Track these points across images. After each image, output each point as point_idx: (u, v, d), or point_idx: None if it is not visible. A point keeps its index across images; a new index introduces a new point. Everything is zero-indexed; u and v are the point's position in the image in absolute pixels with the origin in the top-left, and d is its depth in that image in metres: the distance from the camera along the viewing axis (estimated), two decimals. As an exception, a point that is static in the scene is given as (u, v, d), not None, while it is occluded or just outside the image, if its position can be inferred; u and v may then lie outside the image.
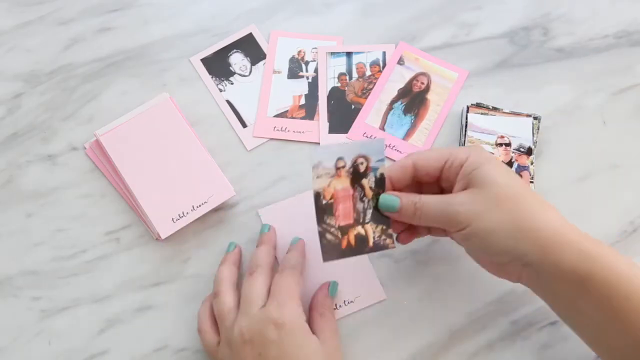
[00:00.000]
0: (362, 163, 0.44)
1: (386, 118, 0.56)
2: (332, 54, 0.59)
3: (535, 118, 0.54)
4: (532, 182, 0.52)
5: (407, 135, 0.56)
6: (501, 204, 0.39)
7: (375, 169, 0.44)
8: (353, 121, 0.56)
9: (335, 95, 0.57)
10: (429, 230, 0.47)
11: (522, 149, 0.53)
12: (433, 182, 0.45)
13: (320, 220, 0.44)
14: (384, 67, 0.58)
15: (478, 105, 0.55)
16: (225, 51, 0.59)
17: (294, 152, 0.55)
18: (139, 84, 0.57)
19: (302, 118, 0.56)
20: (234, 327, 0.43)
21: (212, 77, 0.58)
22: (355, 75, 0.58)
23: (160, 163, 0.52)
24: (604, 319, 0.38)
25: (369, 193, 0.45)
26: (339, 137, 0.55)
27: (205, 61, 0.59)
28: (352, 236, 0.44)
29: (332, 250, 0.44)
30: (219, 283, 0.47)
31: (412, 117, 0.56)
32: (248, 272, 0.46)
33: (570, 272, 0.38)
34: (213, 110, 0.57)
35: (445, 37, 0.60)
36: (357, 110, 0.57)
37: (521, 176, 0.52)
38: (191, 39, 0.59)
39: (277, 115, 0.56)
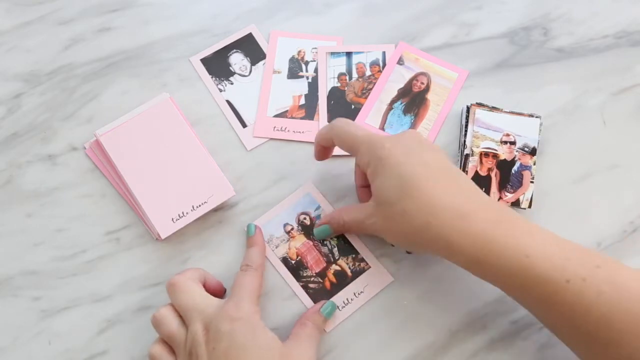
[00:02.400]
0: (305, 218, 0.52)
1: (386, 118, 0.56)
2: (332, 54, 0.59)
3: (536, 117, 0.54)
4: (532, 182, 0.52)
5: (407, 135, 0.56)
6: (395, 222, 0.42)
7: (318, 217, 0.52)
8: (353, 121, 0.56)
9: (335, 95, 0.57)
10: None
11: (526, 149, 0.53)
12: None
13: (297, 278, 0.50)
14: (384, 67, 0.58)
15: (478, 105, 0.55)
16: (225, 51, 0.59)
17: (294, 152, 0.55)
18: (139, 84, 0.57)
19: (302, 118, 0.56)
20: (196, 326, 0.43)
21: (212, 77, 0.58)
22: (355, 75, 0.58)
23: (160, 163, 0.52)
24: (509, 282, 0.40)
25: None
26: (339, 137, 0.55)
27: (205, 61, 0.59)
28: (330, 275, 0.50)
29: (320, 295, 0.49)
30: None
31: (412, 117, 0.56)
32: (240, 269, 0.47)
33: (473, 257, 0.40)
34: (213, 110, 0.57)
35: (445, 37, 0.60)
36: (357, 110, 0.57)
37: (522, 176, 0.52)
38: (191, 39, 0.59)
39: (277, 115, 0.56)
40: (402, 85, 0.57)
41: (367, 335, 0.49)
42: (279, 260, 0.50)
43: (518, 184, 0.52)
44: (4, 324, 0.50)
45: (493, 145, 0.53)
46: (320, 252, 0.51)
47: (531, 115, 0.54)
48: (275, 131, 0.56)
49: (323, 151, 0.50)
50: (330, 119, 0.56)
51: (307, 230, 0.51)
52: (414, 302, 0.50)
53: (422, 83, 0.58)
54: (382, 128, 0.56)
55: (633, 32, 0.59)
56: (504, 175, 0.52)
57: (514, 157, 0.52)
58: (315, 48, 0.59)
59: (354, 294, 0.49)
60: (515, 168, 0.52)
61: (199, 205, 0.51)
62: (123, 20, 0.60)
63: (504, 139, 0.53)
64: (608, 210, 0.53)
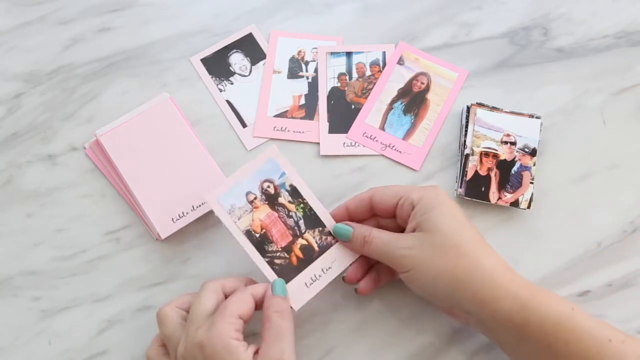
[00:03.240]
0: (268, 187, 0.47)
1: (386, 118, 0.56)
2: (332, 54, 0.59)
3: (537, 118, 0.54)
4: (532, 182, 0.52)
5: (407, 135, 0.56)
6: (443, 253, 0.41)
7: (283, 185, 0.48)
8: (353, 121, 0.56)
9: (335, 95, 0.57)
10: (384, 275, 0.48)
11: (526, 149, 0.53)
12: (390, 217, 0.47)
13: (262, 253, 0.46)
14: (384, 67, 0.58)
15: (479, 105, 0.55)
16: (225, 51, 0.59)
17: (294, 152, 0.55)
18: (139, 84, 0.57)
19: (302, 118, 0.56)
20: (178, 348, 0.41)
21: (212, 77, 0.58)
22: (355, 75, 0.58)
23: (160, 163, 0.52)
24: None
25: (291, 207, 0.47)
26: (339, 137, 0.55)
27: (205, 61, 0.59)
28: (297, 250, 0.47)
29: (287, 272, 0.46)
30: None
31: (412, 117, 0.56)
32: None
33: (508, 321, 0.40)
34: (213, 110, 0.57)
35: (445, 37, 0.60)
36: (357, 110, 0.57)
37: (522, 176, 0.52)
38: (191, 39, 0.59)
39: (277, 115, 0.56)
40: (402, 85, 0.57)
41: (367, 335, 0.49)
42: (242, 234, 0.46)
43: (517, 184, 0.52)
44: (4, 324, 0.50)
45: (493, 145, 0.53)
46: (286, 224, 0.47)
47: (531, 116, 0.54)
48: (276, 131, 0.56)
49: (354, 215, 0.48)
50: (330, 119, 0.56)
51: (271, 199, 0.47)
52: (414, 302, 0.50)
53: (422, 83, 0.58)
54: (382, 128, 0.56)
55: (633, 32, 0.59)
56: (504, 175, 0.52)
57: (514, 158, 0.52)
58: (315, 48, 0.59)
59: (322, 270, 0.46)
60: (515, 168, 0.52)
61: (199, 205, 0.51)
62: (123, 20, 0.60)
63: (504, 139, 0.53)
64: (608, 210, 0.53)
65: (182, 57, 0.59)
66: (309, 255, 0.47)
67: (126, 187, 0.52)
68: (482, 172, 0.52)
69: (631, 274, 0.51)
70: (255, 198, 0.47)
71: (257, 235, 0.46)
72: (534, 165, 0.52)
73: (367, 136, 0.56)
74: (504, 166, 0.52)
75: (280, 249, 0.46)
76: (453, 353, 0.48)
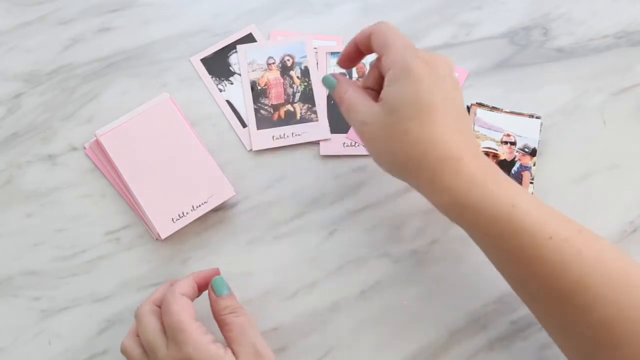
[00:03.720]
0: (288, 60, 0.57)
1: (386, 118, 0.56)
2: (332, 54, 0.59)
3: (537, 118, 0.54)
4: (532, 182, 0.52)
5: (407, 135, 0.56)
6: (392, 137, 0.40)
7: (300, 63, 0.57)
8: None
9: (335, 95, 0.57)
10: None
11: (526, 149, 0.53)
12: None
13: (255, 100, 0.56)
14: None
15: (479, 105, 0.55)
16: (225, 51, 0.59)
17: (295, 152, 0.55)
18: (139, 84, 0.57)
19: (300, 120, 0.56)
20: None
21: (212, 77, 0.58)
22: (355, 75, 0.58)
23: (160, 163, 0.52)
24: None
25: (297, 81, 0.56)
26: (339, 137, 0.55)
27: (205, 61, 0.59)
28: (282, 112, 0.55)
29: (265, 122, 0.55)
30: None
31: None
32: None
33: (448, 214, 0.41)
34: (213, 110, 0.57)
35: (445, 37, 0.60)
36: (357, 110, 0.57)
37: (522, 176, 0.52)
38: (191, 39, 0.59)
39: (265, 119, 0.56)
40: (402, 85, 0.57)
41: (367, 335, 0.49)
42: (248, 83, 0.56)
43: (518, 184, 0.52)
44: (4, 324, 0.50)
45: (493, 145, 0.53)
46: (285, 90, 0.56)
47: (531, 116, 0.54)
48: (275, 140, 0.55)
49: (353, 52, 0.46)
50: (330, 119, 0.56)
51: (285, 69, 0.57)
52: (414, 302, 0.50)
53: (422, 83, 0.58)
54: (382, 128, 0.56)
55: (633, 32, 0.59)
56: None
57: (514, 158, 0.52)
58: (316, 48, 0.59)
59: (292, 133, 0.53)
60: (515, 168, 0.52)
61: (199, 205, 0.51)
62: (123, 20, 0.60)
63: (504, 139, 0.53)
64: (608, 210, 0.53)
65: (182, 57, 0.59)
66: (290, 119, 0.55)
67: (126, 187, 0.52)
68: None
69: (631, 274, 0.51)
70: (273, 63, 0.57)
71: (259, 87, 0.56)
72: (534, 165, 0.52)
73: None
74: (504, 166, 0.52)
75: (270, 105, 0.56)
76: (453, 353, 0.48)
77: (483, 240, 0.41)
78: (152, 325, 0.41)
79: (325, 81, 0.47)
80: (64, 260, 0.51)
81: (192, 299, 0.43)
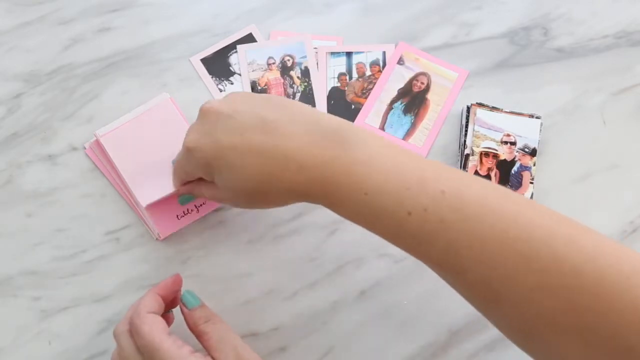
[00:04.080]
0: (288, 60, 0.57)
1: (386, 118, 0.56)
2: (332, 53, 0.59)
3: (536, 118, 0.54)
4: (532, 182, 0.52)
5: (407, 135, 0.56)
6: (249, 199, 0.42)
7: (300, 63, 0.57)
8: (353, 121, 0.56)
9: (335, 95, 0.57)
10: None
11: (526, 149, 0.53)
12: None
13: None
14: (384, 67, 0.58)
15: (478, 105, 0.55)
16: (225, 51, 0.59)
17: (294, 152, 0.55)
18: (139, 84, 0.57)
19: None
20: None
21: (212, 77, 0.58)
22: (355, 75, 0.58)
23: (160, 163, 0.52)
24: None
25: (297, 81, 0.57)
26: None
27: (205, 61, 0.59)
28: None
29: None
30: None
31: (412, 117, 0.56)
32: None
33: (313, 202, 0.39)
34: (213, 110, 0.57)
35: (445, 37, 0.60)
36: (357, 110, 0.57)
37: (522, 176, 0.52)
38: (191, 39, 0.59)
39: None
40: (402, 85, 0.57)
41: (367, 335, 0.49)
42: (248, 83, 0.57)
43: (517, 184, 0.52)
44: (4, 324, 0.50)
45: (493, 145, 0.53)
46: (285, 90, 0.57)
47: (531, 116, 0.54)
48: None
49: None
50: (330, 119, 0.56)
51: (285, 69, 0.57)
52: (414, 302, 0.50)
53: (422, 83, 0.58)
54: (382, 128, 0.56)
55: (633, 32, 0.59)
56: (504, 175, 0.52)
57: (514, 158, 0.52)
58: (316, 48, 0.59)
59: (194, 206, 0.52)
60: (515, 168, 0.52)
61: (199, 206, 0.51)
62: (123, 20, 0.60)
63: (504, 139, 0.53)
64: (608, 210, 0.53)
65: (182, 57, 0.59)
66: None
67: (126, 187, 0.52)
68: (482, 172, 0.52)
69: (631, 274, 0.51)
70: (273, 63, 0.57)
71: (259, 87, 0.57)
72: (534, 165, 0.52)
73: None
74: (504, 166, 0.52)
75: None
76: (453, 353, 0.48)
77: (363, 227, 0.39)
78: (128, 347, 0.40)
79: (182, 200, 0.51)
80: (64, 260, 0.51)
81: (160, 313, 0.42)
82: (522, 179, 0.52)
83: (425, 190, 0.35)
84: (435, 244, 0.35)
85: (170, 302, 0.45)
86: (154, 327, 0.39)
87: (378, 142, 0.38)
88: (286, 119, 0.39)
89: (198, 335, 0.41)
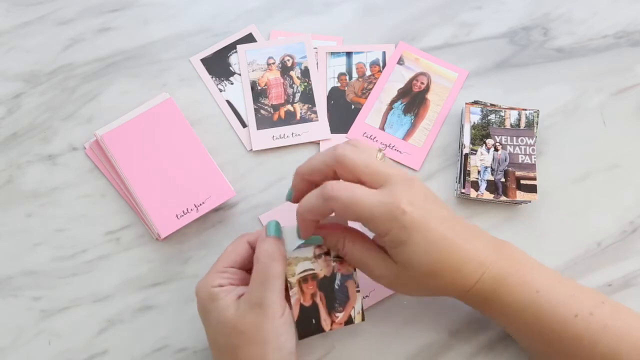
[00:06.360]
0: (288, 60, 0.57)
1: (386, 118, 0.56)
2: (332, 54, 0.59)
3: (535, 112, 0.54)
4: (358, 291, 0.44)
5: (407, 135, 0.56)
6: (418, 282, 0.41)
7: (300, 63, 0.57)
8: (353, 121, 0.56)
9: (335, 95, 0.57)
10: None
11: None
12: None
13: (255, 100, 0.56)
14: (384, 67, 0.58)
15: (475, 103, 0.54)
16: (225, 51, 0.59)
17: (295, 152, 0.55)
18: (139, 84, 0.57)
19: (300, 119, 0.56)
20: None
21: (212, 77, 0.58)
22: (355, 75, 0.58)
23: (160, 163, 0.52)
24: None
25: (297, 81, 0.56)
26: (340, 138, 0.55)
27: (205, 61, 0.59)
28: (282, 112, 0.56)
29: (265, 122, 0.55)
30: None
31: (412, 117, 0.56)
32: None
33: (479, 309, 0.44)
34: (213, 110, 0.57)
35: (445, 37, 0.60)
36: (357, 110, 0.57)
37: (347, 288, 0.44)
38: (191, 39, 0.59)
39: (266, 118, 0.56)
40: (402, 85, 0.57)
41: (367, 335, 0.49)
42: (248, 83, 0.56)
43: (345, 298, 0.44)
44: (4, 324, 0.50)
45: (308, 265, 0.44)
46: (285, 91, 0.56)
47: (524, 110, 0.54)
48: (275, 140, 0.55)
49: (307, 188, 0.42)
50: (330, 119, 0.56)
51: (285, 69, 0.57)
52: (414, 302, 0.50)
53: (422, 83, 0.58)
54: (382, 128, 0.56)
55: (633, 32, 0.59)
56: (328, 295, 0.44)
57: (333, 270, 0.44)
58: (316, 48, 0.59)
59: (292, 133, 0.54)
60: (337, 282, 0.44)
61: (199, 205, 0.51)
62: (123, 20, 0.60)
63: (317, 252, 0.44)
64: (608, 210, 0.53)
65: (182, 57, 0.59)
66: (289, 119, 0.55)
67: (126, 187, 0.52)
68: (307, 303, 0.43)
69: (631, 274, 0.51)
70: (273, 63, 0.57)
71: (259, 87, 0.56)
72: (355, 270, 0.44)
73: (367, 136, 0.56)
74: (326, 284, 0.44)
75: (270, 105, 0.56)
76: (453, 353, 0.48)
77: (518, 329, 0.43)
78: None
79: (309, 242, 0.43)
80: (64, 260, 0.51)
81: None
82: (347, 291, 0.44)
83: (588, 297, 0.41)
84: (597, 348, 0.39)
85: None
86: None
87: (537, 261, 0.44)
88: (466, 228, 0.42)
89: (254, 259, 0.41)
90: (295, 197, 0.44)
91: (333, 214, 0.40)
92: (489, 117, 0.54)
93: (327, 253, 0.44)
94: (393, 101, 0.57)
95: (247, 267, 0.43)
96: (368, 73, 0.58)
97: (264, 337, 0.39)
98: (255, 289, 0.39)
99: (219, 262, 0.42)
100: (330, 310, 0.43)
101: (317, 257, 0.44)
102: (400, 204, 0.38)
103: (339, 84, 0.58)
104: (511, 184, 0.52)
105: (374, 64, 0.58)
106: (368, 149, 0.41)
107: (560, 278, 0.42)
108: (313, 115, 0.56)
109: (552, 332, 0.40)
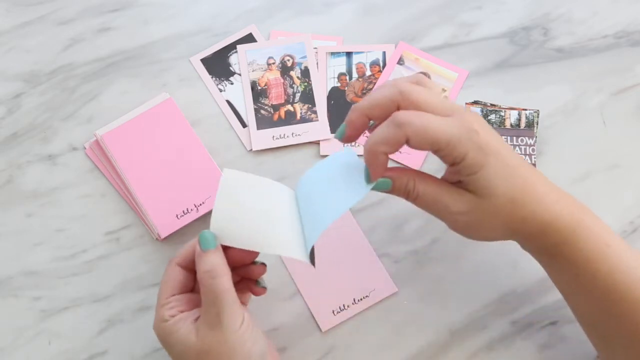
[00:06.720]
0: (288, 60, 0.57)
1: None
2: (332, 54, 0.59)
3: (535, 112, 0.54)
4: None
5: (407, 135, 0.56)
6: (497, 215, 0.39)
7: (300, 63, 0.57)
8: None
9: (335, 95, 0.57)
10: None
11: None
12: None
13: (255, 100, 0.56)
14: (384, 67, 0.58)
15: (476, 103, 0.55)
16: (225, 51, 0.59)
17: (295, 152, 0.55)
18: (139, 84, 0.57)
19: (300, 120, 0.56)
20: None
21: (212, 77, 0.58)
22: (355, 75, 0.58)
23: (160, 163, 0.52)
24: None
25: (297, 81, 0.57)
26: (339, 137, 0.55)
27: (205, 61, 0.59)
28: (282, 112, 0.56)
29: (265, 122, 0.55)
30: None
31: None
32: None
33: (542, 254, 0.42)
34: (213, 110, 0.57)
35: (445, 37, 0.60)
36: (357, 110, 0.57)
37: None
38: (191, 39, 0.59)
39: (266, 118, 0.56)
40: (402, 85, 0.57)
41: (367, 335, 0.49)
42: (248, 83, 0.57)
43: None
44: (4, 324, 0.50)
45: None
46: (285, 91, 0.56)
47: (524, 110, 0.54)
48: (275, 140, 0.55)
49: (362, 124, 0.40)
50: (330, 119, 0.56)
51: (285, 69, 0.57)
52: (414, 302, 0.50)
53: (422, 83, 0.57)
54: (382, 128, 0.56)
55: (633, 32, 0.59)
56: None
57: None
58: (316, 48, 0.59)
59: (292, 133, 0.53)
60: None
61: (199, 205, 0.51)
62: (123, 20, 0.60)
63: None
64: (608, 210, 0.53)
65: (182, 57, 0.59)
66: (289, 119, 0.55)
67: (126, 187, 0.52)
68: None
69: (631, 274, 0.51)
70: (273, 63, 0.57)
71: (259, 88, 0.57)
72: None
73: (367, 136, 0.55)
74: None
75: (270, 105, 0.56)
76: (453, 353, 0.48)
77: (576, 282, 0.41)
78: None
79: (378, 184, 0.40)
80: (64, 260, 0.51)
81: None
82: None
83: None
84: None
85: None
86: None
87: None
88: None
89: (198, 280, 0.39)
90: (348, 134, 0.41)
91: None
92: (489, 117, 0.54)
93: None
94: (393, 101, 0.57)
95: (188, 289, 0.42)
96: (368, 73, 0.58)
97: (231, 350, 0.38)
98: (208, 310, 0.38)
99: (160, 295, 0.41)
100: None
101: None
102: (472, 126, 0.37)
103: (339, 84, 0.58)
104: (511, 184, 0.52)
105: (374, 64, 0.58)
106: (433, 84, 0.41)
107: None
108: (313, 115, 0.56)
109: (615, 290, 0.39)
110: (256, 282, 0.44)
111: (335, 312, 0.49)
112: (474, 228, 0.40)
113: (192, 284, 0.42)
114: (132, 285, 0.51)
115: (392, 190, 0.40)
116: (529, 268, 0.50)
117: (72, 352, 0.49)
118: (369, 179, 0.39)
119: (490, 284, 0.50)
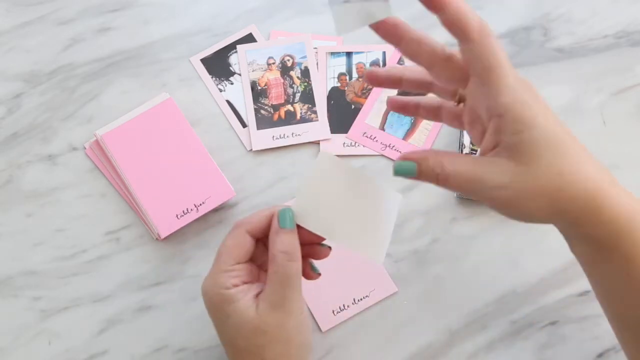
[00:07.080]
0: (288, 60, 0.57)
1: (386, 118, 0.56)
2: (332, 54, 0.59)
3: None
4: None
5: (407, 135, 0.56)
6: (544, 189, 0.34)
7: (300, 63, 0.57)
8: (353, 121, 0.56)
9: (335, 95, 0.57)
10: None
11: None
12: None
13: (255, 100, 0.56)
14: (384, 67, 0.58)
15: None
16: (225, 51, 0.59)
17: (295, 152, 0.55)
18: (139, 84, 0.57)
19: (300, 120, 0.56)
20: None
21: (212, 77, 0.58)
22: (355, 75, 0.58)
23: (160, 163, 0.52)
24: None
25: (297, 81, 0.57)
26: (339, 137, 0.55)
27: (205, 61, 0.59)
28: (282, 112, 0.56)
29: (265, 122, 0.55)
30: None
31: (412, 117, 0.56)
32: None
33: (596, 242, 0.36)
34: (213, 110, 0.57)
35: (445, 37, 0.59)
36: (357, 110, 0.57)
37: None
38: (191, 39, 0.59)
39: (266, 119, 0.56)
40: (402, 85, 0.57)
41: (367, 335, 0.49)
42: (248, 83, 0.57)
43: None
44: (4, 324, 0.50)
45: None
46: (285, 91, 0.57)
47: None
48: (275, 140, 0.55)
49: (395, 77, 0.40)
50: (330, 119, 0.56)
51: (285, 69, 0.57)
52: (413, 302, 0.50)
53: (422, 83, 0.57)
54: (382, 128, 0.56)
55: (633, 32, 0.59)
56: None
57: None
58: (316, 48, 0.59)
59: (292, 133, 0.53)
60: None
61: (199, 205, 0.51)
62: (123, 20, 0.60)
63: None
64: (608, 210, 0.53)
65: (182, 57, 0.59)
66: (289, 119, 0.56)
67: (126, 187, 0.52)
68: None
69: (631, 274, 0.51)
70: (273, 63, 0.57)
71: (259, 87, 0.57)
72: None
73: (367, 136, 0.56)
74: None
75: (270, 105, 0.56)
76: (453, 353, 0.48)
77: (627, 279, 0.36)
78: None
79: (400, 169, 0.36)
80: (64, 260, 0.51)
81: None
82: None
83: None
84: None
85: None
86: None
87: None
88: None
89: (269, 255, 0.38)
90: (381, 79, 0.40)
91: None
92: (489, 117, 0.54)
93: None
94: (393, 101, 0.57)
95: (250, 259, 0.41)
96: (368, 73, 0.58)
97: (287, 336, 0.38)
98: (275, 290, 0.38)
99: (223, 259, 0.39)
100: None
101: None
102: (524, 94, 0.35)
103: (339, 84, 0.58)
104: (511, 184, 0.51)
105: (374, 63, 0.58)
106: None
107: None
108: (313, 115, 0.56)
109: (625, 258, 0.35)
110: (312, 267, 0.43)
111: (335, 312, 0.49)
112: (515, 205, 0.35)
113: (255, 254, 0.41)
114: (132, 285, 0.51)
115: (419, 174, 0.36)
116: (529, 268, 0.50)
117: (72, 352, 0.49)
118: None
119: (490, 284, 0.50)
